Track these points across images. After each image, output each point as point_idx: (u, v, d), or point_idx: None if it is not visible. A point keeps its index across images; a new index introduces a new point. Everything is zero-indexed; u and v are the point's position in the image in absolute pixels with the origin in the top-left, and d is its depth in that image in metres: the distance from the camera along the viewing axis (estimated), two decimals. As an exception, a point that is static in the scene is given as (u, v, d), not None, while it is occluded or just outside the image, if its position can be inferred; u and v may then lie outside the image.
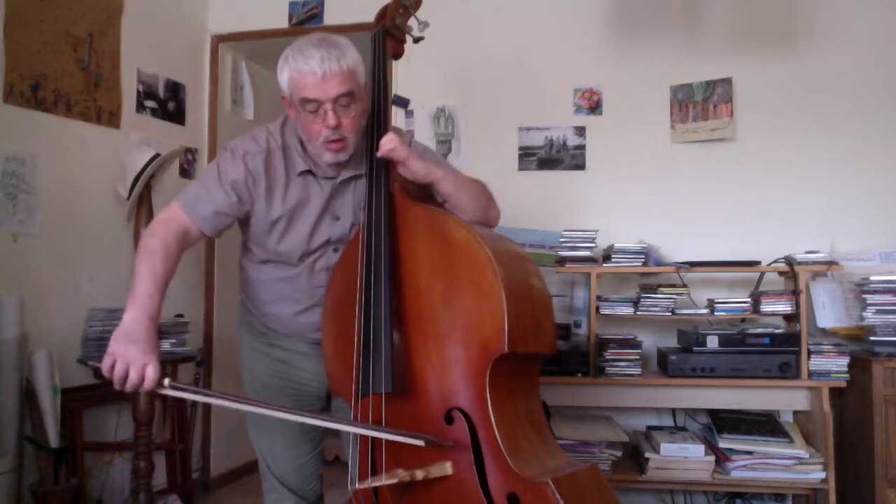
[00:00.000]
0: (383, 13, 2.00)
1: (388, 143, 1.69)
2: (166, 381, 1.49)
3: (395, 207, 1.72)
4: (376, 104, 1.84)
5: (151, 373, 1.49)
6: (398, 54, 2.02)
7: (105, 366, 1.50)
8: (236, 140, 1.83)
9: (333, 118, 1.67)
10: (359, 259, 1.70)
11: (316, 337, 1.89)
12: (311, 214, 1.80)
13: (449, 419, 1.57)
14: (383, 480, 1.57)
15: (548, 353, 1.69)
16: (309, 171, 1.79)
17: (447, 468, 1.54)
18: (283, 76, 1.69)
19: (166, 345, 3.04)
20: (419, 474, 1.54)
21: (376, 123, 1.83)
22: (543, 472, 1.51)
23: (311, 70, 1.63)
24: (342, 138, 1.70)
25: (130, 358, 1.49)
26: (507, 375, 1.59)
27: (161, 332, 2.98)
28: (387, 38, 1.95)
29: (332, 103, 1.66)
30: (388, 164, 1.76)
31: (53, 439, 2.73)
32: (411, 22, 2.02)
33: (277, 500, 1.96)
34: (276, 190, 1.78)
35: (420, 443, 1.53)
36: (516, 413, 1.62)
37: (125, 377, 1.49)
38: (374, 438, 1.65)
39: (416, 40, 2.05)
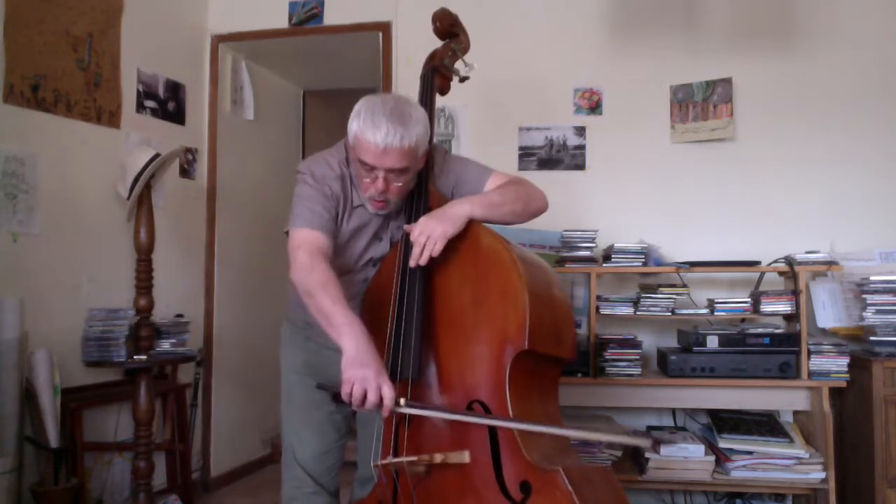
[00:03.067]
0: (433, 56, 2.17)
1: (420, 256, 1.73)
2: (402, 401, 1.60)
3: None
4: None
5: (388, 391, 1.58)
6: (444, 90, 2.18)
7: (344, 392, 1.59)
8: (309, 163, 1.92)
9: (383, 185, 1.78)
10: (396, 267, 1.83)
11: None
12: (363, 239, 1.94)
13: (470, 411, 1.67)
14: (404, 459, 1.68)
15: (567, 359, 1.80)
16: (363, 205, 1.90)
17: (465, 457, 1.64)
18: (351, 128, 1.77)
19: (166, 345, 3.06)
20: (438, 458, 1.64)
21: None
22: (556, 463, 1.59)
23: (374, 141, 1.72)
24: (386, 200, 1.83)
25: (367, 381, 1.58)
26: (526, 374, 1.69)
27: (161, 331, 3.04)
28: (435, 75, 2.12)
29: (384, 172, 1.76)
30: (426, 184, 1.90)
31: (53, 439, 2.73)
32: (458, 64, 2.19)
33: (297, 487, 2.04)
34: (344, 213, 1.89)
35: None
36: (533, 411, 1.72)
37: (364, 399, 1.58)
38: (397, 424, 1.74)
39: (462, 80, 2.22)
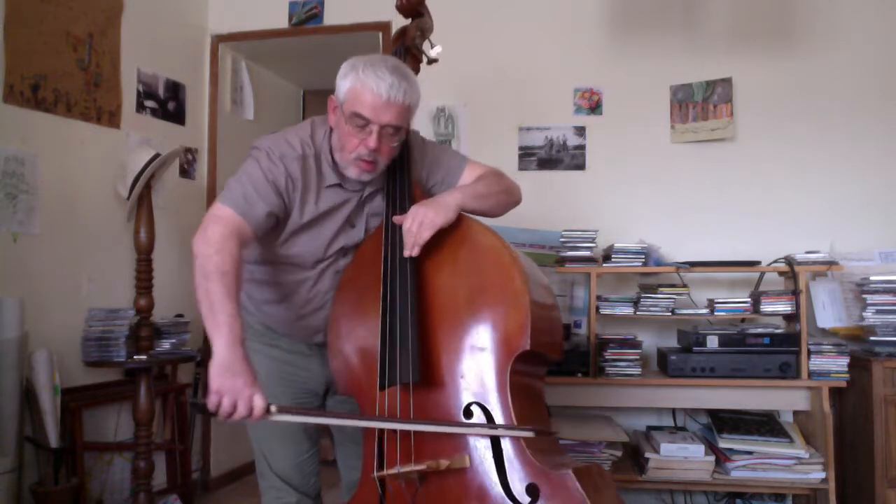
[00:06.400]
0: (402, 33, 2.10)
1: (413, 244, 1.67)
2: (273, 408, 1.51)
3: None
4: None
5: (259, 402, 1.49)
6: (414, 72, 2.10)
7: (212, 403, 1.49)
8: (266, 140, 1.79)
9: (375, 141, 1.68)
10: (381, 259, 1.74)
11: (317, 340, 1.90)
12: (334, 224, 1.82)
13: (468, 413, 1.63)
14: (410, 469, 1.61)
15: (556, 360, 1.77)
16: (338, 185, 1.80)
17: (465, 461, 1.59)
18: (345, 83, 1.70)
19: (166, 345, 3.06)
20: (444, 464, 1.59)
21: None
22: (559, 464, 1.58)
23: (377, 91, 1.65)
24: (375, 161, 1.72)
25: (237, 392, 1.48)
26: (524, 374, 1.67)
27: (161, 332, 3.04)
28: (406, 55, 2.04)
29: (379, 127, 1.68)
30: (408, 171, 1.81)
31: (53, 439, 2.73)
32: (425, 45, 2.12)
33: (279, 498, 1.94)
34: (308, 197, 1.77)
35: None
36: (532, 411, 1.68)
37: (233, 412, 1.49)
38: (383, 431, 1.67)
39: (431, 62, 2.13)
